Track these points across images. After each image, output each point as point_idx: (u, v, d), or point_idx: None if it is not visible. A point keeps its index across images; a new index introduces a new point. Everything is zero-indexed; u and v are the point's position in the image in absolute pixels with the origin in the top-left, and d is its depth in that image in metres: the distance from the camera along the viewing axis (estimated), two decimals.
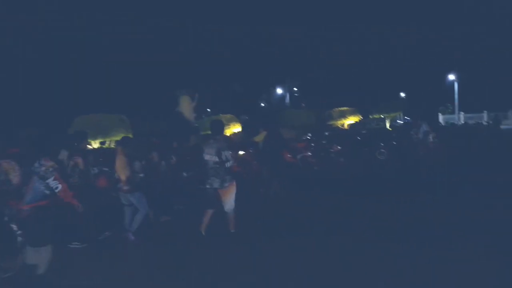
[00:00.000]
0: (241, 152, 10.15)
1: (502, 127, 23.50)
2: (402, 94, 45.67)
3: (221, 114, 16.99)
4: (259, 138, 9.70)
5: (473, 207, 6.89)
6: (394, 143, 14.57)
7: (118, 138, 10.78)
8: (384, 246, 5.21)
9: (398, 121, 29.38)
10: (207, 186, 5.74)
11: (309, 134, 16.86)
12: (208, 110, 37.19)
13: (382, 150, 13.69)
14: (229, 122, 15.65)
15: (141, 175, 6.38)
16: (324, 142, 13.03)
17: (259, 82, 40.38)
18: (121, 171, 5.93)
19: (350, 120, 21.56)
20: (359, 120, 22.29)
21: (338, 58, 43.14)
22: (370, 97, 31.35)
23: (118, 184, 5.98)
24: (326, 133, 17.75)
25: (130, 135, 10.62)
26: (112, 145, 10.97)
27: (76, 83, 27.96)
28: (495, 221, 5.95)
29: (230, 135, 13.51)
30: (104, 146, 10.99)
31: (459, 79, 39.15)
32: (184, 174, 7.54)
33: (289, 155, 10.09)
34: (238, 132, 15.54)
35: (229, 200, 5.73)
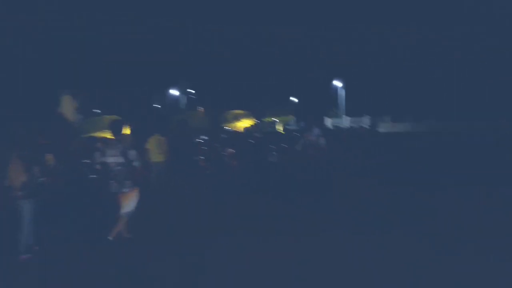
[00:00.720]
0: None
1: (379, 130, 26.04)
2: (293, 98, 47.94)
3: (105, 116, 15.62)
4: (150, 144, 8.98)
5: (361, 202, 7.40)
6: (285, 146, 14.95)
7: None
8: (275, 242, 5.20)
9: (290, 124, 30.52)
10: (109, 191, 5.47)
11: (203, 137, 16.45)
12: (97, 111, 34.58)
13: (273, 153, 13.88)
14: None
15: (41, 179, 5.56)
16: (217, 145, 12.71)
17: (153, 82, 38.90)
18: (17, 177, 5.22)
19: (245, 123, 21.65)
20: (254, 123, 22.53)
21: (233, 62, 43.67)
22: (264, 101, 32.22)
23: (12, 192, 5.28)
24: (223, 136, 17.57)
25: None
26: None
27: None
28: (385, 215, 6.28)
29: (108, 138, 12.39)
30: None
31: (344, 84, 42.42)
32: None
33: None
34: (125, 135, 14.40)
35: (127, 204, 5.47)
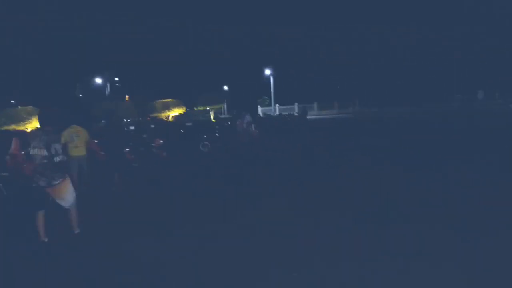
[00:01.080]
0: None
1: (308, 117, 26.72)
2: (225, 87, 47.63)
3: (19, 107, 14.23)
4: (66, 137, 8.12)
5: (297, 186, 7.49)
6: (217, 134, 14.72)
7: None
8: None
9: (222, 113, 30.30)
10: (33, 185, 5.08)
11: (131, 127, 15.65)
12: (12, 101, 31.97)
13: (206, 142, 13.59)
14: (30, 115, 13.20)
15: None
16: (144, 136, 12.07)
17: (77, 70, 36.42)
18: None
19: (175, 112, 21.00)
20: (184, 112, 21.93)
21: (167, 50, 42.28)
22: (195, 90, 31.56)
23: None
24: (152, 126, 16.87)
25: None
26: None
27: None
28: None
29: (31, 130, 11.22)
30: None
31: (274, 74, 42.88)
32: None
33: (102, 153, 8.87)
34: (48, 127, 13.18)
35: (65, 196, 5.23)
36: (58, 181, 5.16)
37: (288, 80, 43.32)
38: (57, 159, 5.16)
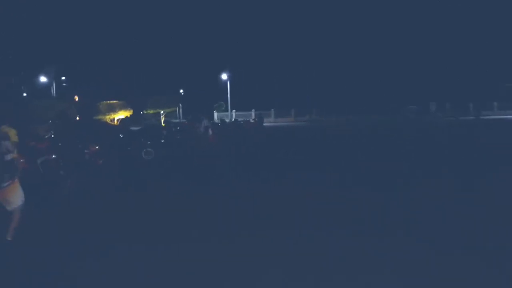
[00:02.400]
0: None
1: (265, 124, 26.09)
2: (181, 91, 46.28)
3: None
4: None
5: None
6: (163, 141, 13.56)
7: None
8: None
9: (174, 117, 29.04)
10: None
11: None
12: None
13: (149, 149, 12.45)
14: None
15: None
16: (77, 140, 10.74)
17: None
18: None
19: (121, 114, 19.54)
20: (131, 115, 20.51)
21: (117, 49, 40.45)
22: (147, 92, 30.03)
23: None
24: (87, 129, 15.46)
25: None
26: None
27: None
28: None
29: None
30: None
31: (231, 79, 42.07)
32: None
33: (22, 160, 7.61)
34: None
35: (13, 199, 4.90)
36: (8, 183, 4.88)
37: (245, 85, 42.68)
38: (7, 157, 4.91)
